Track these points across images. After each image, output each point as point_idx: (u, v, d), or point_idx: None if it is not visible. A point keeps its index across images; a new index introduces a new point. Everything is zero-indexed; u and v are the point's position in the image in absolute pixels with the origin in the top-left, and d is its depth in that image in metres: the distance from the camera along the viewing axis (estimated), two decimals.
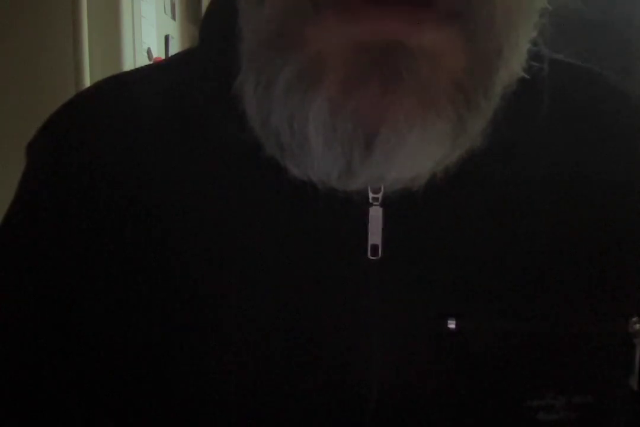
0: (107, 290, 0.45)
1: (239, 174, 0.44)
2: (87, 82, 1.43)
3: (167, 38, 1.94)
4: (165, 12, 1.97)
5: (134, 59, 1.58)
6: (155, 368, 0.45)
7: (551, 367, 0.44)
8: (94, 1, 1.48)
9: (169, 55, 1.87)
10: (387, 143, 0.39)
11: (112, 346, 0.45)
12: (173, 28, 2.04)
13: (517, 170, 0.45)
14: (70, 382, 0.47)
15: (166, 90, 0.48)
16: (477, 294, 0.44)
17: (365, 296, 0.43)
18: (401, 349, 0.43)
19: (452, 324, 0.43)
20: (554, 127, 0.47)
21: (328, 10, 0.38)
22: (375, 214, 0.43)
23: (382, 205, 0.43)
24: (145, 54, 1.70)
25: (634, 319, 0.45)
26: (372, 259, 0.43)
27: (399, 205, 0.43)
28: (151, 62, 1.36)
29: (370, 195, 0.43)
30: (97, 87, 0.52)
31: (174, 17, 2.06)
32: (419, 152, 0.39)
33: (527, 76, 0.43)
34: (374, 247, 0.43)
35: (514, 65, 0.41)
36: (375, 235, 0.43)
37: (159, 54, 1.82)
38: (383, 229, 0.43)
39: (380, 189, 0.43)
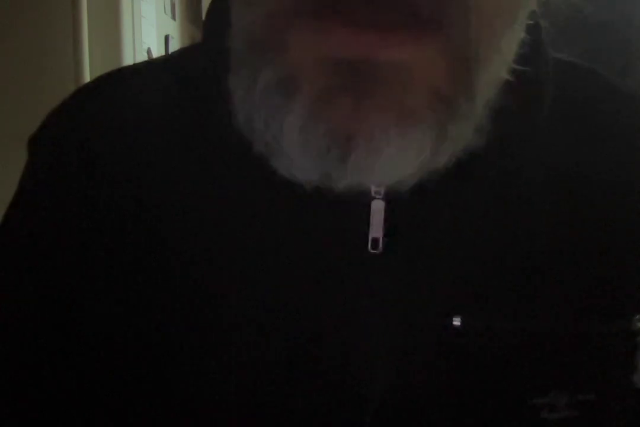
0: (107, 289, 0.45)
1: (236, 171, 0.44)
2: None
3: (167, 38, 1.94)
4: (165, 12, 1.97)
5: (134, 59, 1.58)
6: (155, 368, 0.45)
7: (554, 365, 0.44)
8: (94, 1, 1.48)
9: (167, 53, 1.87)
10: (363, 156, 0.38)
11: (112, 346, 0.45)
12: (173, 28, 2.04)
13: (519, 168, 0.45)
14: (70, 382, 0.47)
15: (166, 86, 0.48)
16: (480, 291, 0.44)
17: (366, 291, 0.43)
18: (404, 345, 0.43)
19: (456, 322, 0.43)
20: (555, 126, 0.47)
21: (305, 20, 0.37)
22: (377, 207, 0.43)
23: (384, 198, 0.43)
24: (145, 54, 1.70)
25: (637, 317, 0.45)
26: (373, 253, 0.43)
27: (402, 198, 0.43)
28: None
29: (373, 188, 0.43)
30: (98, 82, 0.52)
31: (174, 17, 2.06)
32: (395, 162, 0.39)
33: (529, 75, 0.43)
34: (375, 241, 0.43)
35: (497, 67, 0.41)
36: (376, 228, 0.43)
37: (159, 54, 1.82)
38: (385, 223, 0.43)
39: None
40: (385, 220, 0.43)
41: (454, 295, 0.43)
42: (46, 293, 0.47)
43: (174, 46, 1.98)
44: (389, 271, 0.43)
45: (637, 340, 0.45)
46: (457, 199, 0.44)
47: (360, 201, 0.43)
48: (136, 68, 0.55)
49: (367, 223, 0.43)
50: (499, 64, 0.41)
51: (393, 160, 0.39)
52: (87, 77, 1.45)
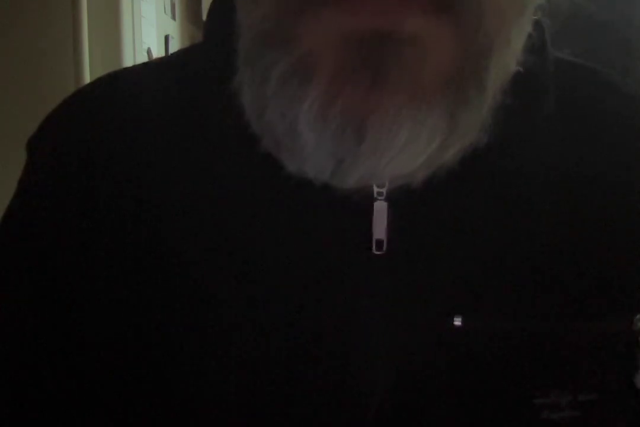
0: (107, 289, 0.45)
1: (240, 170, 0.44)
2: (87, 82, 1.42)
3: (167, 38, 1.94)
4: (165, 12, 1.97)
5: (134, 59, 1.58)
6: (155, 367, 0.44)
7: (555, 365, 0.44)
8: (94, 1, 1.48)
9: (167, 54, 1.87)
10: (378, 138, 0.39)
11: (112, 345, 0.45)
12: (173, 28, 2.04)
13: (520, 167, 0.45)
14: (70, 382, 0.47)
15: (167, 86, 0.48)
16: (481, 291, 0.44)
17: (369, 291, 0.43)
18: (405, 345, 0.43)
19: (457, 321, 0.43)
20: (556, 125, 0.47)
21: (320, 4, 0.38)
22: (380, 208, 0.43)
23: (387, 199, 0.43)
24: (145, 54, 1.70)
25: (637, 317, 0.45)
26: (377, 254, 0.43)
27: (404, 199, 0.43)
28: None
29: (375, 189, 0.43)
30: (98, 82, 0.52)
31: (174, 17, 2.06)
32: (410, 147, 0.39)
33: (530, 74, 0.43)
34: (379, 242, 0.43)
35: (506, 60, 0.41)
36: (380, 229, 0.43)
37: (159, 54, 1.82)
38: (388, 224, 0.43)
39: (385, 183, 0.43)
40: (388, 221, 0.43)
41: (454, 295, 0.43)
42: (46, 293, 0.47)
43: (174, 46, 1.98)
44: (391, 272, 0.43)
45: (637, 340, 0.45)
46: (457, 199, 0.44)
47: (362, 202, 0.43)
48: (136, 69, 0.55)
49: (370, 224, 0.43)
50: (508, 55, 0.41)
51: (407, 146, 0.39)
52: (87, 77, 1.45)
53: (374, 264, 0.43)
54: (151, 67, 0.53)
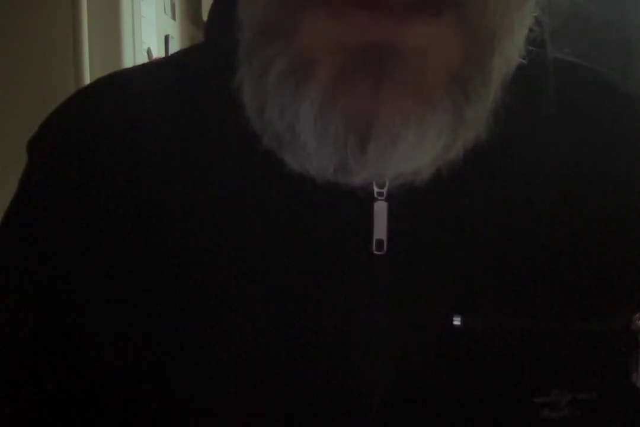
0: (107, 289, 0.45)
1: (239, 170, 0.44)
2: (87, 82, 1.42)
3: (167, 38, 1.94)
4: (165, 12, 1.97)
5: (134, 59, 1.58)
6: (156, 367, 0.44)
7: (555, 364, 0.44)
8: (94, 1, 1.48)
9: (168, 55, 1.87)
10: (382, 141, 0.38)
11: (112, 345, 0.45)
12: (173, 28, 2.04)
13: (521, 167, 0.45)
14: (70, 382, 0.47)
15: (167, 86, 0.48)
16: (481, 290, 0.44)
17: (370, 291, 0.43)
18: (405, 345, 0.43)
19: (457, 321, 0.43)
20: (556, 125, 0.47)
21: (318, 7, 0.38)
22: (380, 208, 0.43)
23: (387, 200, 0.43)
24: (145, 54, 1.70)
25: (637, 316, 0.45)
26: (378, 254, 0.43)
27: (404, 200, 0.43)
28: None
29: (375, 189, 0.43)
30: (99, 83, 0.52)
31: (174, 17, 2.06)
32: (415, 148, 0.39)
33: (530, 75, 0.43)
34: (379, 242, 0.43)
35: (510, 51, 0.41)
36: (380, 230, 0.43)
37: (159, 54, 1.82)
38: (388, 224, 0.43)
39: (385, 183, 0.43)
40: (388, 221, 0.43)
41: (454, 295, 0.43)
42: (46, 293, 0.47)
43: (174, 46, 1.98)
44: (391, 272, 0.43)
45: (637, 339, 0.45)
46: (457, 199, 0.44)
47: (363, 202, 0.43)
48: (136, 69, 0.55)
49: (370, 224, 0.43)
50: (511, 47, 0.41)
51: (412, 147, 0.39)
52: (87, 77, 1.45)
53: (374, 264, 0.43)
54: (151, 68, 0.53)
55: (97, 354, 0.46)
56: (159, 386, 0.45)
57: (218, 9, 0.48)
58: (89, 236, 0.46)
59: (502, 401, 0.44)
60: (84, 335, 0.46)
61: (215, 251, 0.44)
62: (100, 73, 0.53)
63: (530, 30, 0.43)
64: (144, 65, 0.56)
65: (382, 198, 0.43)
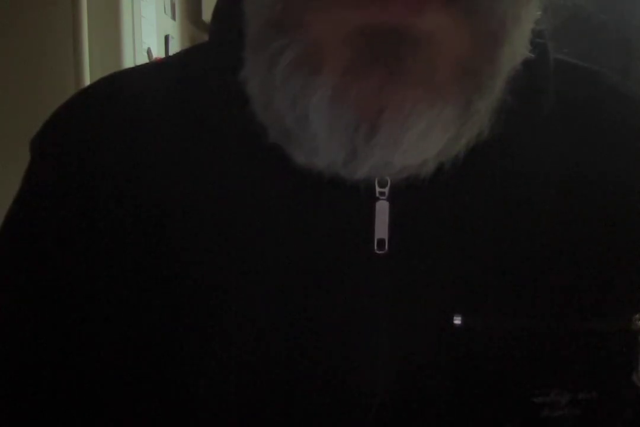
0: (108, 288, 0.45)
1: (241, 170, 0.44)
2: (87, 82, 1.43)
3: (167, 38, 1.94)
4: (165, 12, 1.97)
5: (134, 59, 1.58)
6: (156, 367, 0.44)
7: (555, 364, 0.44)
8: (94, 1, 1.48)
9: (169, 55, 1.87)
10: (392, 130, 0.39)
11: (112, 345, 0.45)
12: (173, 28, 2.04)
13: (521, 167, 0.45)
14: (70, 382, 0.47)
15: (169, 86, 0.48)
16: (482, 290, 0.44)
17: (371, 291, 0.43)
18: (406, 344, 0.43)
19: (457, 320, 0.43)
20: (556, 126, 0.47)
21: None
22: (382, 208, 0.43)
23: (388, 199, 0.43)
24: (145, 54, 1.70)
25: (637, 316, 0.45)
26: (379, 253, 0.43)
27: (406, 199, 0.43)
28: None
29: (377, 189, 0.43)
30: (101, 83, 0.52)
31: (174, 17, 2.06)
32: (425, 137, 0.39)
33: (531, 75, 0.43)
34: (381, 242, 0.43)
35: (517, 44, 0.41)
36: (381, 229, 0.43)
37: (159, 54, 1.82)
38: (389, 223, 0.43)
39: (386, 182, 0.43)
40: (390, 221, 0.43)
41: (455, 294, 0.43)
42: (47, 293, 0.47)
43: (174, 46, 1.98)
44: (392, 271, 0.43)
45: (637, 339, 0.45)
46: (458, 199, 0.44)
47: (364, 202, 0.43)
48: (138, 69, 0.55)
49: (372, 224, 0.43)
50: (519, 41, 0.41)
51: (421, 136, 0.39)
52: (87, 77, 1.45)
53: (376, 263, 0.43)
54: (153, 68, 0.54)
55: (97, 353, 0.46)
56: (160, 386, 0.45)
57: (223, 5, 0.48)
58: (90, 235, 0.46)
59: (502, 400, 0.44)
60: (85, 335, 0.46)
61: (216, 251, 0.44)
62: (101, 73, 0.53)
63: (531, 30, 0.43)
64: (145, 66, 0.56)
65: (384, 198, 0.43)
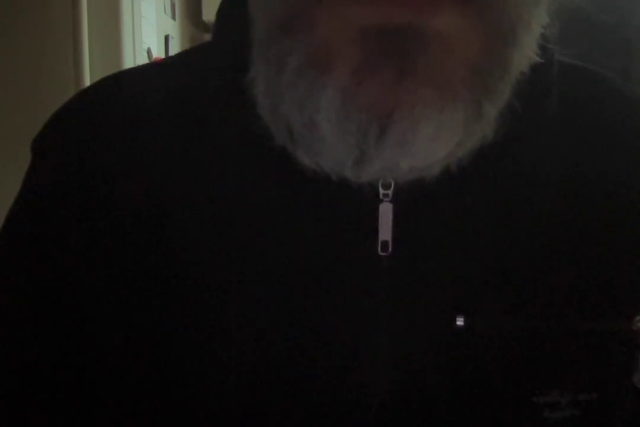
0: (108, 288, 0.45)
1: (244, 169, 0.44)
2: (87, 82, 1.43)
3: (167, 38, 1.94)
4: (165, 12, 1.97)
5: (134, 59, 1.58)
6: (156, 367, 0.44)
7: (557, 364, 0.44)
8: (94, 1, 1.48)
9: (169, 55, 1.87)
10: (402, 132, 0.38)
11: (112, 345, 0.45)
12: (173, 28, 2.04)
13: (523, 168, 0.45)
14: (70, 382, 0.47)
15: (170, 86, 0.48)
16: (484, 291, 0.44)
17: (374, 292, 0.43)
18: (408, 345, 0.43)
19: (460, 321, 0.43)
20: (558, 127, 0.47)
21: None
22: (386, 210, 0.43)
23: (392, 201, 0.43)
24: (145, 54, 1.70)
25: (638, 317, 0.45)
26: (383, 255, 0.43)
27: (409, 201, 0.43)
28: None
29: (381, 191, 0.43)
30: (102, 83, 0.52)
31: (174, 17, 2.06)
32: (434, 140, 0.39)
33: (534, 77, 0.43)
34: (384, 243, 0.43)
35: (527, 47, 0.41)
36: (385, 231, 0.43)
37: (159, 54, 1.82)
38: (393, 225, 0.43)
39: (390, 185, 0.43)
40: (393, 222, 0.43)
41: (457, 295, 0.43)
42: (47, 292, 0.47)
43: (174, 46, 1.98)
44: (395, 272, 0.43)
45: (637, 340, 0.45)
46: (462, 201, 0.44)
47: (368, 204, 0.43)
48: (139, 69, 0.55)
49: (376, 225, 0.43)
50: (528, 44, 0.41)
51: (431, 139, 0.39)
52: (87, 77, 1.45)
53: (378, 264, 0.43)
54: (154, 68, 0.53)
55: (98, 353, 0.46)
56: (160, 386, 0.45)
57: (227, 6, 0.48)
58: (91, 235, 0.46)
59: (502, 401, 0.44)
60: (86, 334, 0.46)
61: (217, 251, 0.44)
62: (101, 73, 0.53)
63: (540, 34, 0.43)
64: (146, 66, 0.56)
65: (388, 200, 0.43)
